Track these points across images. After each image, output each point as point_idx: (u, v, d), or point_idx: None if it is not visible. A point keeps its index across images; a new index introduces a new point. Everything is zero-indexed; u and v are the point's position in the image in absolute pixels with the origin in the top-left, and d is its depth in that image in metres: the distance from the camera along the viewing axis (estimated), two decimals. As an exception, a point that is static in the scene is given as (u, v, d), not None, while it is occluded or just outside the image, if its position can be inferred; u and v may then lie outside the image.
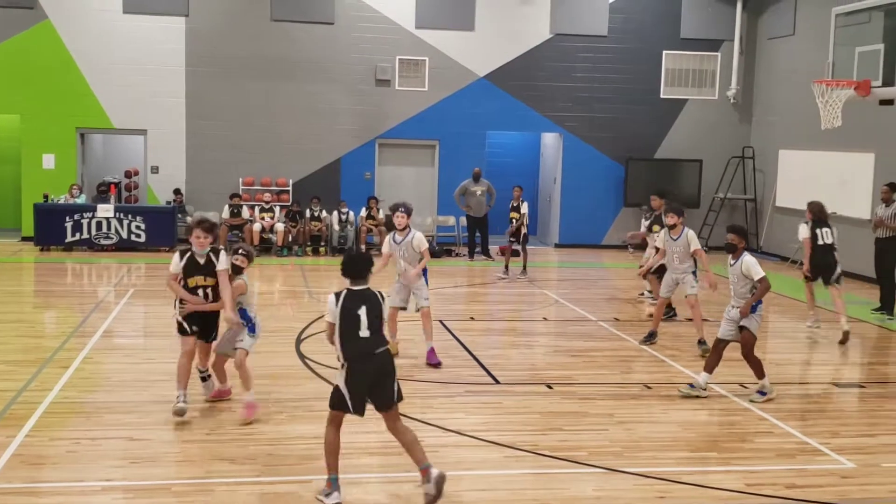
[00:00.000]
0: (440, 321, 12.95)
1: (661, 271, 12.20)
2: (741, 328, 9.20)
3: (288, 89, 20.87)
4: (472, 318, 13.47)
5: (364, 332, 6.39)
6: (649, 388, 9.79)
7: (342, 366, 6.42)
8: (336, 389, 6.48)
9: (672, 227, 11.47)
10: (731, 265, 9.39)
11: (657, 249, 12.01)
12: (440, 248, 20.48)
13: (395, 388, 6.53)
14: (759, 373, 9.29)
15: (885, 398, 9.74)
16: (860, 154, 17.80)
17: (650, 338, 11.78)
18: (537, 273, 17.97)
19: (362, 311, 6.39)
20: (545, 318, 13.82)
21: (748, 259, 9.25)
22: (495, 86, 21.51)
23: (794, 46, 20.44)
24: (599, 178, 22.09)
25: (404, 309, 10.52)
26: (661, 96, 22.16)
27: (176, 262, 8.18)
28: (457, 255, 20.57)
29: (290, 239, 19.83)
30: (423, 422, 8.25)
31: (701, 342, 11.28)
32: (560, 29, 21.61)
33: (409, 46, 21.14)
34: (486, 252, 20.10)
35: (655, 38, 21.95)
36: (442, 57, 21.25)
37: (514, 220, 17.18)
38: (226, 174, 20.66)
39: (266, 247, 19.72)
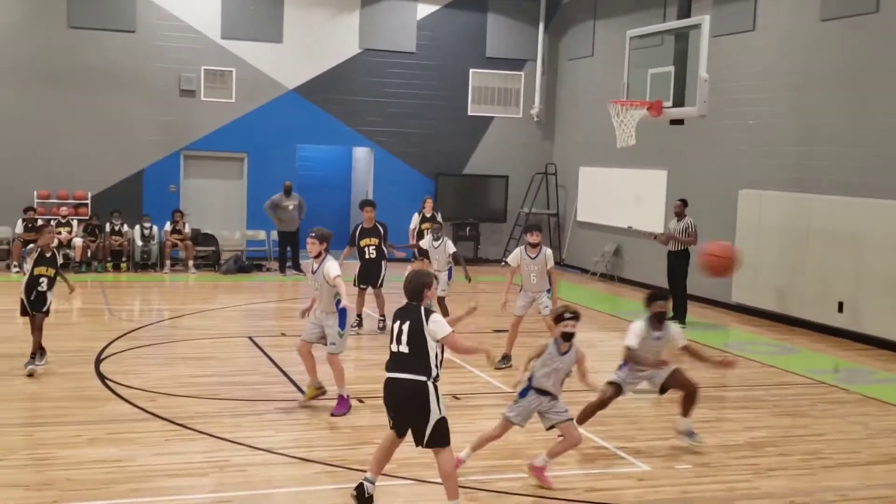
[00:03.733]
0: (249, 337, 12.74)
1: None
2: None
3: (86, 99, 19.92)
4: (283, 335, 13.28)
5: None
6: (458, 398, 9.93)
7: None
8: None
9: (534, 246, 11.34)
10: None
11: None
12: (250, 263, 20.12)
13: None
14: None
15: (678, 403, 10.24)
16: (654, 171, 18.79)
17: (505, 361, 11.39)
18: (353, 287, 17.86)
19: None
20: (358, 333, 13.77)
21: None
22: (305, 99, 21.37)
23: (593, 67, 21.37)
24: (410, 193, 22.20)
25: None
26: (469, 113, 22.64)
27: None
28: (267, 269, 20.25)
29: (89, 254, 18.95)
30: (232, 441, 8.06)
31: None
32: (369, 44, 21.72)
33: (214, 56, 20.69)
34: (297, 267, 19.89)
35: (462, 56, 22.41)
36: (249, 68, 20.91)
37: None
38: (19, 187, 19.46)
39: (63, 263, 18.69)
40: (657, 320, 8.31)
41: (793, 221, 15.15)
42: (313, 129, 21.61)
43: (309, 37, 21.36)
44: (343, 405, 9.17)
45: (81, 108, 19.95)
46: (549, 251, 11.51)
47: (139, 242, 19.51)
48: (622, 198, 19.99)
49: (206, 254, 20.15)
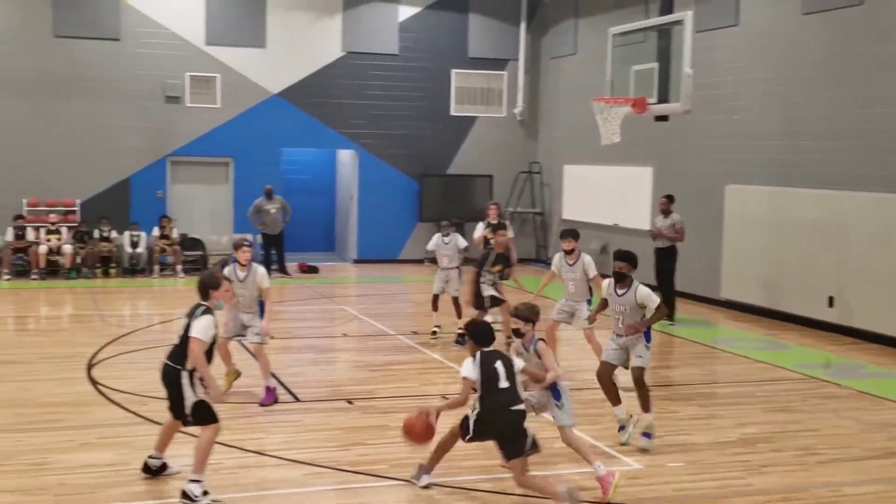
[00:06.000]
0: (237, 340, 12.70)
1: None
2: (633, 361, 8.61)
3: (72, 107, 19.88)
4: (271, 337, 13.23)
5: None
6: (447, 398, 9.95)
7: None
8: None
9: (569, 253, 10.96)
10: (619, 295, 8.65)
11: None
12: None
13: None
14: (647, 405, 8.51)
15: (669, 400, 10.25)
16: (639, 168, 18.84)
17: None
18: (336, 289, 17.92)
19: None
20: (345, 335, 13.81)
21: (642, 289, 8.63)
22: (289, 103, 21.36)
23: (576, 65, 21.41)
24: (395, 195, 22.32)
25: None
26: (452, 114, 22.65)
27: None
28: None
29: (78, 261, 18.91)
30: (221, 444, 8.05)
31: None
32: (352, 47, 21.72)
33: (199, 63, 20.66)
34: (282, 269, 19.88)
35: (444, 56, 22.43)
36: (234, 73, 20.90)
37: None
38: (8, 195, 19.35)
39: (53, 269, 18.71)
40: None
41: (779, 216, 15.22)
42: (298, 133, 21.60)
43: (292, 41, 21.35)
44: (270, 395, 9.66)
45: (68, 117, 19.90)
46: (588, 258, 11.01)
47: (128, 248, 19.51)
48: (607, 195, 20.04)
49: (193, 258, 20.16)
